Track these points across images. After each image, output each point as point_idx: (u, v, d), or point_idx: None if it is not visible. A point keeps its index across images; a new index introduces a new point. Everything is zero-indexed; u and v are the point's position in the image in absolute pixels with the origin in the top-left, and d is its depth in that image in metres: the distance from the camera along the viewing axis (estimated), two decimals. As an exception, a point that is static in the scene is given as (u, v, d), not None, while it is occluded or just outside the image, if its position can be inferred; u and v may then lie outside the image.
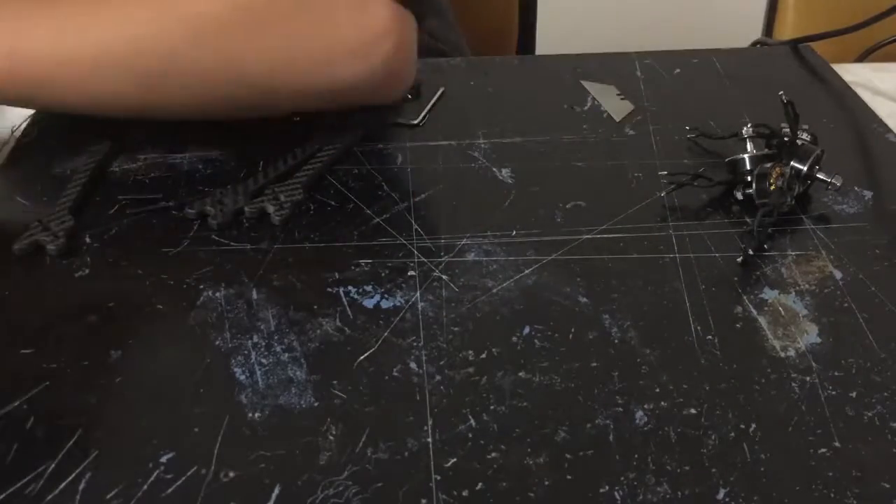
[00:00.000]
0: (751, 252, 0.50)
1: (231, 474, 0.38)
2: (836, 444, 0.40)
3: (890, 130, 0.63)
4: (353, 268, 0.50)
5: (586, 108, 0.66)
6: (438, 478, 0.38)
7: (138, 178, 0.57)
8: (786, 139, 0.54)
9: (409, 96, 0.66)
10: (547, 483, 0.38)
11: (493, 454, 0.39)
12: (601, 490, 0.38)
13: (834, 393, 0.42)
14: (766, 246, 0.51)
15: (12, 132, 0.61)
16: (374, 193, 0.56)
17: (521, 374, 0.43)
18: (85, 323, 0.46)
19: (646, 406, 0.41)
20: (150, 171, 0.58)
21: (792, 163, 0.53)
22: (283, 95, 0.57)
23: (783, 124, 0.55)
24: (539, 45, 1.21)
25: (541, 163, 0.59)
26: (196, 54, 0.53)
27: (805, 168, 0.53)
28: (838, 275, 0.49)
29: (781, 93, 0.54)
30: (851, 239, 0.52)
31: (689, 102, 0.67)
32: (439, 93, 0.66)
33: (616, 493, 0.37)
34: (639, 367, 0.44)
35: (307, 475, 0.38)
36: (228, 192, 0.54)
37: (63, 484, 0.38)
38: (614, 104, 0.65)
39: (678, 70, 0.71)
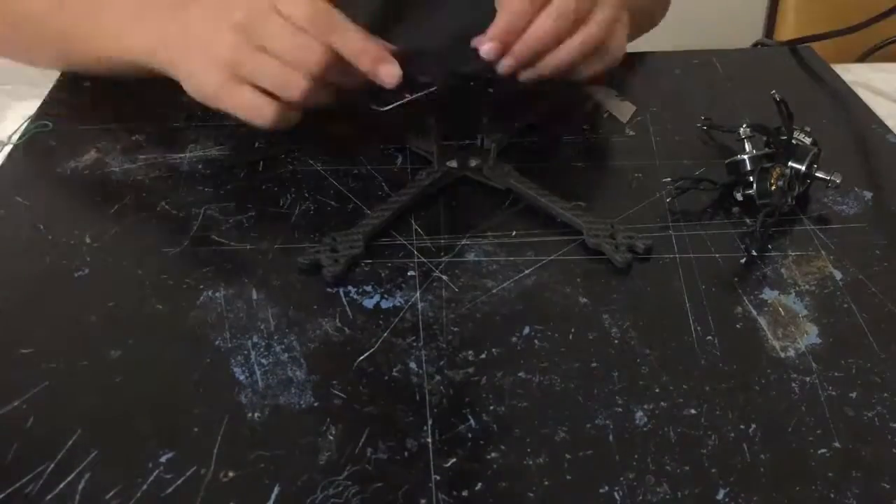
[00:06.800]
0: (754, 252, 0.50)
1: (231, 474, 0.38)
2: (836, 444, 0.40)
3: (890, 131, 0.63)
4: (353, 268, 0.50)
5: (587, 108, 0.66)
6: (438, 478, 0.38)
7: (138, 178, 0.57)
8: (782, 138, 0.54)
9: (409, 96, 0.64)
10: (547, 483, 0.38)
11: (493, 454, 0.39)
12: (601, 490, 0.38)
13: (834, 393, 0.42)
14: (770, 246, 0.51)
15: (11, 133, 0.61)
16: (374, 193, 0.55)
17: (521, 374, 0.43)
18: (85, 322, 0.46)
19: (646, 406, 0.41)
20: (150, 171, 0.58)
21: (790, 163, 0.53)
22: None
23: (783, 125, 0.55)
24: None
25: (541, 163, 0.59)
26: None
27: (803, 168, 0.53)
28: (838, 275, 0.49)
29: (774, 91, 0.54)
30: (851, 239, 0.52)
31: (689, 102, 0.67)
32: (429, 90, 0.66)
33: (616, 494, 0.37)
34: (639, 367, 0.44)
35: (307, 475, 0.38)
36: (340, 240, 0.50)
37: (62, 484, 0.38)
38: (617, 106, 0.65)
39: (678, 70, 0.71)
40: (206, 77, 0.55)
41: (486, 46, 0.56)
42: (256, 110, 0.54)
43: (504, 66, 0.57)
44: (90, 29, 0.62)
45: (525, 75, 0.59)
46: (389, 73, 0.54)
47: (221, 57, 0.53)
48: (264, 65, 0.53)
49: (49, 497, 0.37)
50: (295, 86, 0.53)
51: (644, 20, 0.77)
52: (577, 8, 0.56)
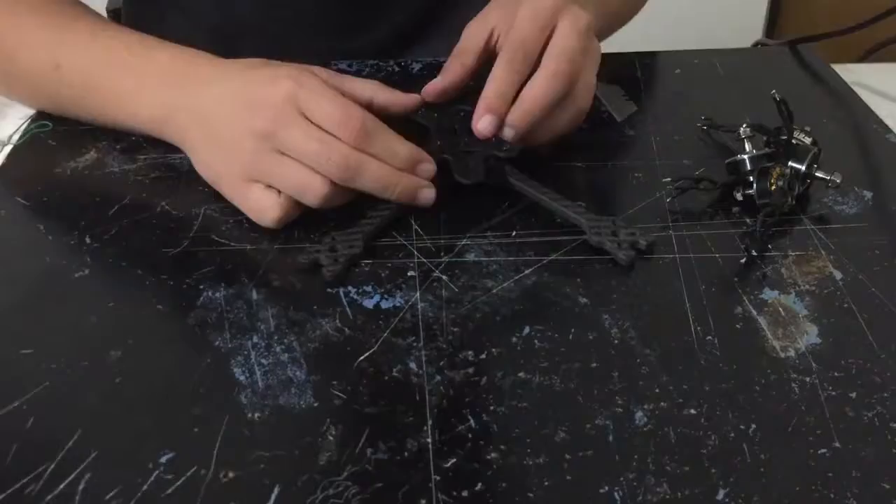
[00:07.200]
0: (754, 252, 0.50)
1: (231, 474, 0.38)
2: (836, 444, 0.40)
3: (890, 131, 0.63)
4: (353, 268, 0.50)
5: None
6: (438, 478, 0.38)
7: (138, 178, 0.57)
8: (782, 138, 0.54)
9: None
10: (547, 483, 0.38)
11: (493, 454, 0.39)
12: (601, 490, 0.38)
13: (834, 393, 0.42)
14: (770, 246, 0.51)
15: (11, 133, 0.61)
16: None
17: (521, 374, 0.43)
18: (85, 323, 0.46)
19: (646, 406, 0.41)
20: (150, 171, 0.58)
21: (790, 162, 0.53)
22: None
23: (783, 125, 0.55)
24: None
25: (541, 163, 0.58)
26: None
27: (803, 168, 0.53)
28: (838, 275, 0.49)
29: (774, 91, 0.54)
30: (851, 239, 0.52)
31: (689, 102, 0.67)
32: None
33: (616, 494, 0.37)
34: (639, 367, 0.44)
35: (307, 475, 0.38)
36: (340, 239, 0.50)
37: (63, 484, 0.38)
38: (619, 104, 0.65)
39: (678, 70, 0.71)
40: (219, 169, 0.54)
41: (479, 125, 0.53)
42: (262, 210, 0.52)
43: (507, 135, 0.54)
44: (88, 92, 0.59)
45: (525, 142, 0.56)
46: (426, 170, 0.53)
47: (241, 160, 0.51)
48: (284, 167, 0.50)
49: (49, 497, 0.37)
50: (315, 190, 0.50)
51: (615, 22, 0.75)
52: (566, 71, 0.54)
